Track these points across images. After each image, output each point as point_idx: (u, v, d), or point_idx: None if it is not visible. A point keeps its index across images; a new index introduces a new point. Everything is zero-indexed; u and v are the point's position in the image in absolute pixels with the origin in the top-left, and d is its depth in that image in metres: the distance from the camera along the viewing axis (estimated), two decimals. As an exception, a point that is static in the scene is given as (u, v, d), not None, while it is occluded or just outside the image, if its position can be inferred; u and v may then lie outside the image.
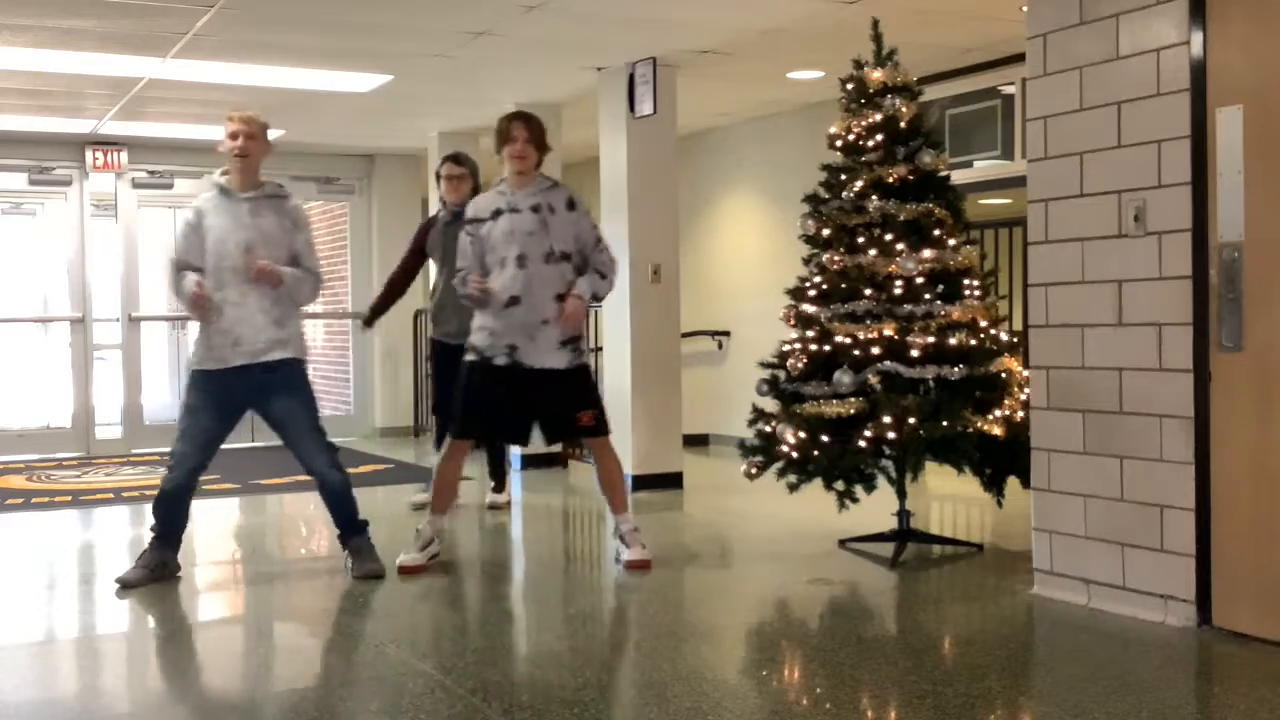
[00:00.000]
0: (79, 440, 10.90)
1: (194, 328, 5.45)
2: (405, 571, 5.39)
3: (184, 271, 5.22)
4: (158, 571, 5.28)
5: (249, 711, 3.80)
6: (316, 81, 8.23)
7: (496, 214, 5.39)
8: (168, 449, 5.34)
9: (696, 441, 9.88)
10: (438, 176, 7.14)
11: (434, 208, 9.38)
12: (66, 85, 8.29)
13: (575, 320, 5.38)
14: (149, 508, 5.37)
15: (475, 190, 7.07)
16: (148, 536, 5.35)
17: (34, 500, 7.95)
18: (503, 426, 5.60)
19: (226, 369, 5.18)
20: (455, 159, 7.15)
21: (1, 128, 9.89)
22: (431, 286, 7.23)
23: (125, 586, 5.19)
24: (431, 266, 7.27)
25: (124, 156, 10.87)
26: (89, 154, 10.76)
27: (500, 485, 7.34)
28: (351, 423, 12.02)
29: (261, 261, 5.13)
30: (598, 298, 5.55)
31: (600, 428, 5.55)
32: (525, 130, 5.41)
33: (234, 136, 5.31)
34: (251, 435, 11.09)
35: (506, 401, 5.42)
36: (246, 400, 5.28)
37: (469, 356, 5.45)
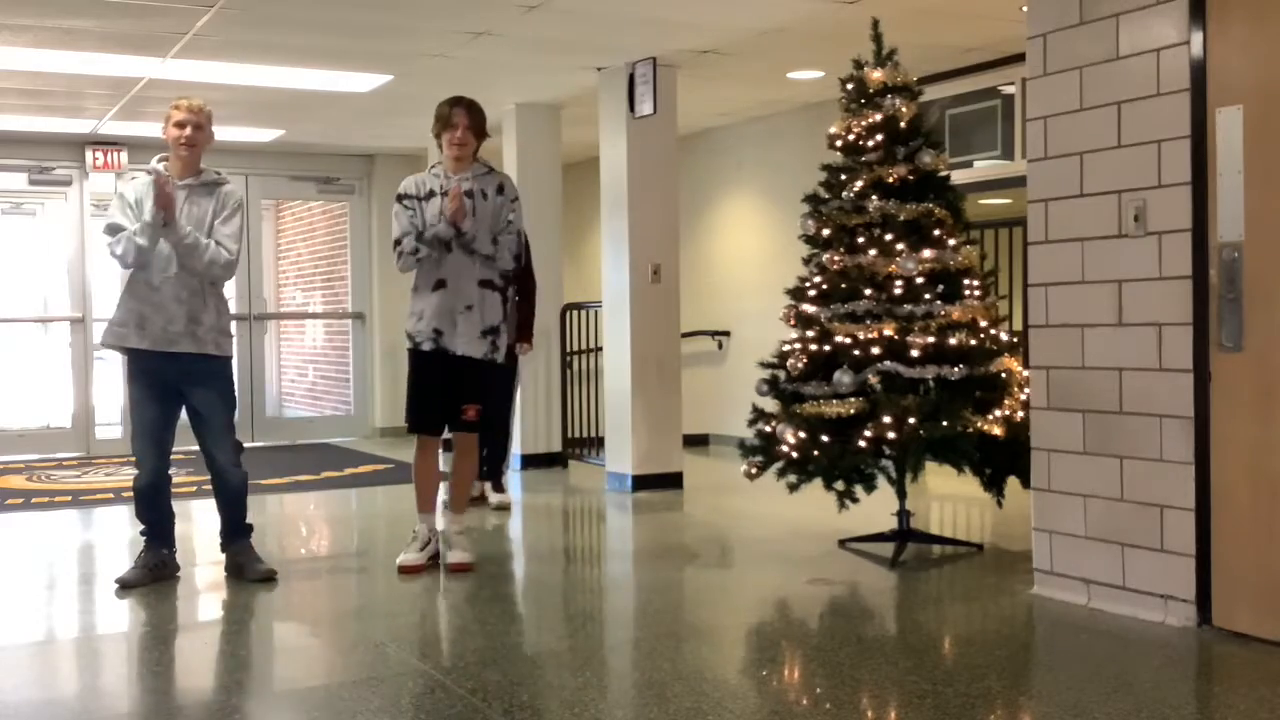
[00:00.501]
0: (79, 440, 10.90)
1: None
2: (405, 571, 5.40)
3: (122, 229, 5.11)
4: (157, 571, 5.29)
5: (249, 712, 3.79)
6: (316, 81, 8.23)
7: (429, 195, 5.41)
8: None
9: (696, 441, 9.88)
10: None
11: None
12: (66, 85, 8.29)
13: (457, 202, 5.23)
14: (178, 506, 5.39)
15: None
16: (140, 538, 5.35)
17: (34, 500, 7.96)
18: (441, 415, 5.51)
19: (144, 351, 5.12)
20: None
21: (1, 128, 9.89)
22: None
23: (124, 587, 5.19)
24: None
25: (124, 156, 10.87)
26: (89, 154, 10.76)
27: (497, 484, 7.32)
28: (351, 423, 12.02)
29: (168, 188, 5.04)
30: (485, 255, 5.34)
31: (478, 425, 5.53)
32: (466, 118, 5.45)
33: (181, 126, 5.26)
34: (251, 435, 11.16)
35: (438, 388, 5.42)
36: (176, 385, 5.19)
37: (406, 344, 5.46)
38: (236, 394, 5.45)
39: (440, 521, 5.67)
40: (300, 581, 5.45)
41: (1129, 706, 3.48)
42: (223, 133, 10.19)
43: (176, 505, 5.48)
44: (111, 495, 8.06)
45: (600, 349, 8.63)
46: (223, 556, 5.52)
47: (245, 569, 5.34)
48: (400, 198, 5.47)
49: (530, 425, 9.31)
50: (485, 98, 8.82)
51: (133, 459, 5.33)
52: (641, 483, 7.91)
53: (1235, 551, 4.15)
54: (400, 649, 4.28)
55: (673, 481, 7.98)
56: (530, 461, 9.23)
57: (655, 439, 8.00)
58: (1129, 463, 4.43)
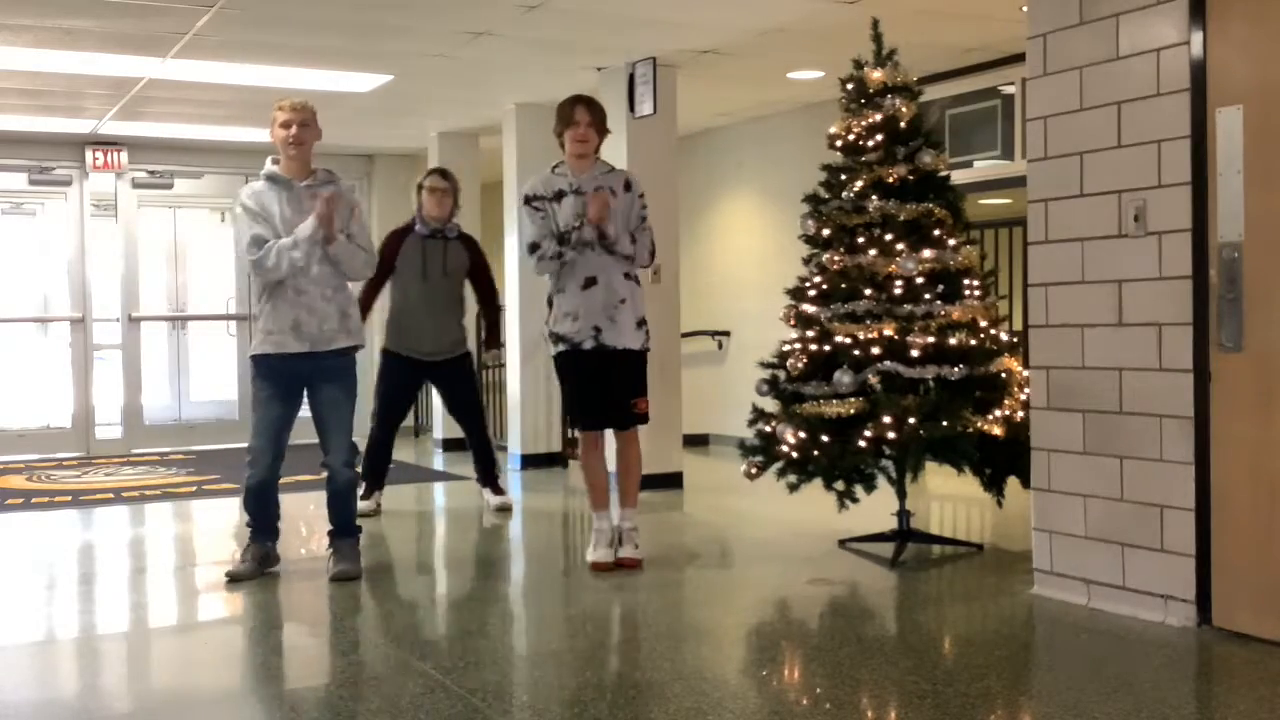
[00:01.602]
0: (79, 440, 10.89)
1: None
2: (599, 569, 5.42)
3: (269, 243, 5.15)
4: (264, 563, 5.41)
5: (249, 712, 3.80)
6: (316, 81, 8.22)
7: (559, 195, 5.39)
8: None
9: (696, 441, 9.88)
10: (419, 188, 7.05)
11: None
12: (66, 85, 8.29)
13: (604, 206, 5.26)
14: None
15: (455, 207, 7.07)
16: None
17: (34, 500, 7.95)
18: (605, 411, 5.52)
19: (287, 354, 5.20)
20: (442, 173, 7.09)
21: (1, 128, 9.90)
22: (394, 301, 7.06)
23: (234, 580, 5.29)
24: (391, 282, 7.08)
25: (124, 156, 10.87)
26: (89, 154, 10.76)
27: (497, 488, 7.31)
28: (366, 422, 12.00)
29: (327, 201, 5.12)
30: (626, 255, 5.39)
31: (648, 416, 5.59)
32: (588, 114, 5.45)
33: (287, 126, 5.29)
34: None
35: (599, 386, 5.43)
36: (304, 383, 5.29)
37: (559, 347, 5.44)
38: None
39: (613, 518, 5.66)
40: (300, 581, 5.44)
41: (1129, 706, 3.48)
42: (223, 133, 10.28)
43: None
44: (111, 495, 8.06)
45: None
46: (236, 556, 5.61)
47: (333, 565, 5.39)
48: (529, 199, 5.44)
49: (530, 425, 9.31)
50: (485, 98, 8.89)
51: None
52: (641, 482, 7.86)
53: (1235, 551, 4.15)
54: (400, 649, 4.28)
55: (673, 481, 7.98)
56: (530, 461, 9.23)
57: (655, 439, 7.97)
58: (1129, 463, 4.43)
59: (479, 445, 7.26)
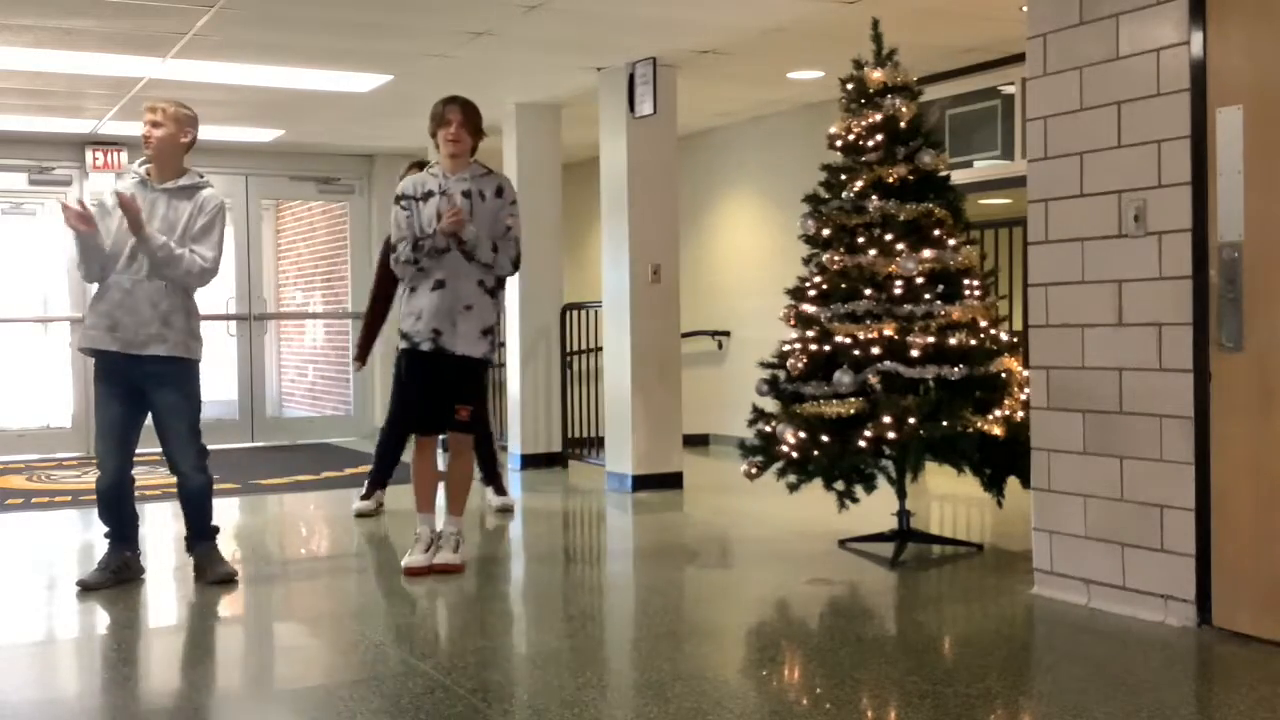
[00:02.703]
0: (79, 440, 10.89)
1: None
2: (411, 574, 5.37)
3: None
4: (120, 573, 5.26)
5: (249, 712, 3.80)
6: (316, 81, 8.23)
7: (427, 195, 5.39)
8: (153, 450, 5.35)
9: (696, 441, 9.88)
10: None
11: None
12: (66, 85, 8.29)
13: (455, 219, 5.21)
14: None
15: None
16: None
17: (34, 500, 7.96)
18: (438, 415, 5.50)
19: (103, 351, 5.11)
20: (419, 165, 7.02)
21: (1, 128, 9.90)
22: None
23: (86, 589, 5.16)
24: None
25: (124, 156, 10.86)
26: (89, 154, 10.76)
27: (499, 488, 7.31)
28: (351, 423, 12.01)
29: (130, 203, 5.04)
30: (485, 263, 5.35)
31: (472, 425, 5.54)
32: (460, 115, 5.44)
33: (148, 125, 5.23)
34: (251, 435, 11.16)
35: (435, 389, 5.40)
36: (139, 387, 5.16)
37: (401, 344, 5.44)
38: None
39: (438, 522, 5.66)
40: (300, 581, 5.44)
41: (1129, 706, 3.48)
42: (223, 133, 10.28)
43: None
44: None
45: (600, 349, 8.63)
46: (235, 555, 5.54)
47: (206, 571, 5.30)
48: (398, 199, 5.46)
49: (530, 425, 9.31)
50: (485, 98, 8.83)
51: (142, 458, 5.32)
52: (641, 483, 7.91)
53: (1235, 551, 4.15)
54: (400, 649, 4.28)
55: (673, 481, 7.98)
56: (530, 461, 9.23)
57: (655, 439, 8.01)
58: (1129, 463, 4.43)
59: (482, 445, 7.25)
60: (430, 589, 5.32)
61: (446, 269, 5.32)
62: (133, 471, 5.30)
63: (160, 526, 7.18)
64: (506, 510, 7.18)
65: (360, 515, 7.08)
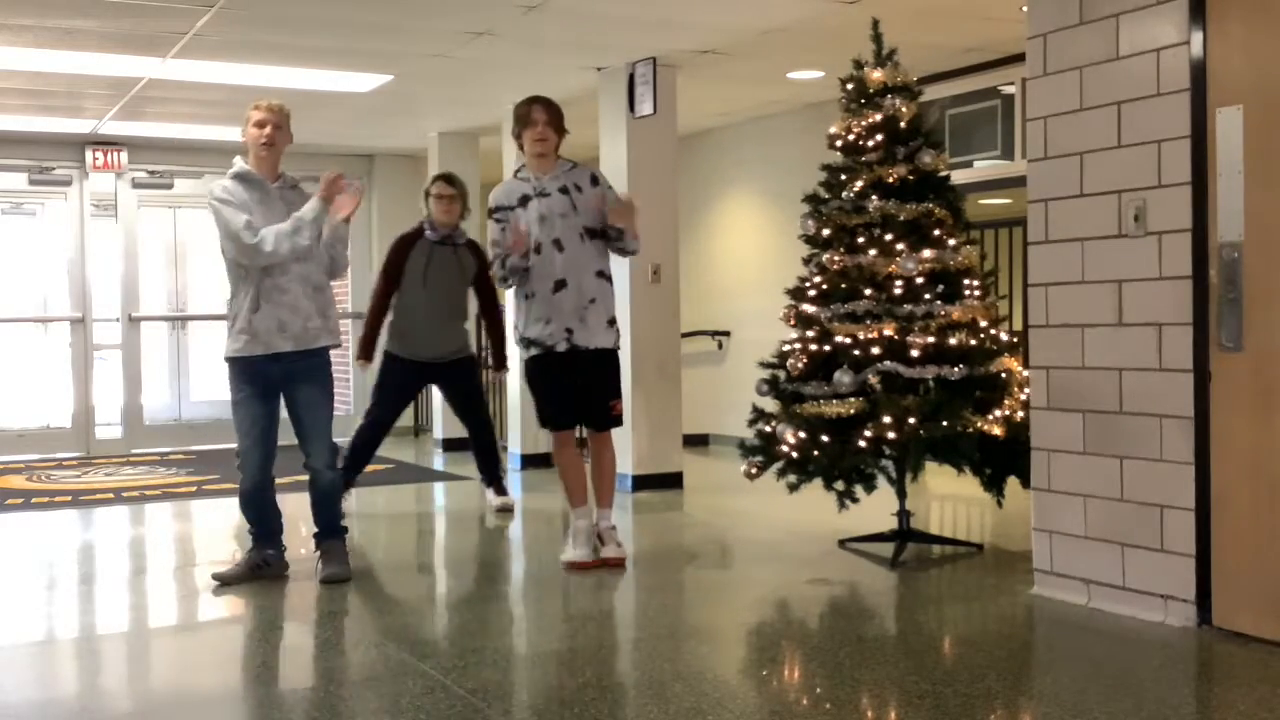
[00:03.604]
0: (79, 440, 10.90)
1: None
2: (576, 569, 5.40)
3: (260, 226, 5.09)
4: (258, 570, 5.32)
5: (249, 712, 3.80)
6: (316, 81, 8.23)
7: (524, 200, 5.41)
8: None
9: (696, 441, 9.88)
10: (426, 195, 7.00)
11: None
12: (66, 85, 8.29)
13: (630, 216, 5.41)
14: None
15: (464, 213, 7.04)
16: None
17: (34, 500, 7.95)
18: (578, 412, 5.57)
19: (268, 355, 5.15)
20: (448, 179, 7.02)
21: (1, 128, 9.90)
22: (398, 306, 6.97)
23: (223, 584, 5.24)
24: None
25: (124, 156, 10.87)
26: (89, 154, 10.76)
27: (500, 488, 7.30)
28: (351, 422, 11.93)
29: (331, 181, 5.14)
30: (632, 251, 5.62)
31: (620, 419, 5.61)
32: (545, 113, 5.49)
33: (261, 125, 5.24)
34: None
35: (572, 386, 5.45)
36: (281, 383, 5.23)
37: (532, 351, 5.45)
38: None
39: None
40: (300, 581, 5.44)
41: (1129, 706, 3.48)
42: (223, 133, 10.27)
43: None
44: (112, 495, 8.06)
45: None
46: (235, 557, 5.59)
47: (322, 568, 5.33)
48: (492, 212, 5.47)
49: (530, 425, 9.27)
50: (485, 98, 8.89)
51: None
52: (641, 483, 7.91)
53: (1235, 551, 4.15)
54: (400, 649, 4.28)
55: (673, 481, 7.99)
56: (530, 462, 9.23)
57: (655, 439, 8.00)
58: (1129, 463, 4.43)
59: (483, 445, 7.25)
60: (430, 589, 5.32)
61: (561, 269, 5.34)
62: (273, 471, 5.35)
63: (162, 526, 7.18)
64: (506, 510, 7.18)
65: (502, 510, 7.14)
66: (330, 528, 5.41)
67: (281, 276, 5.13)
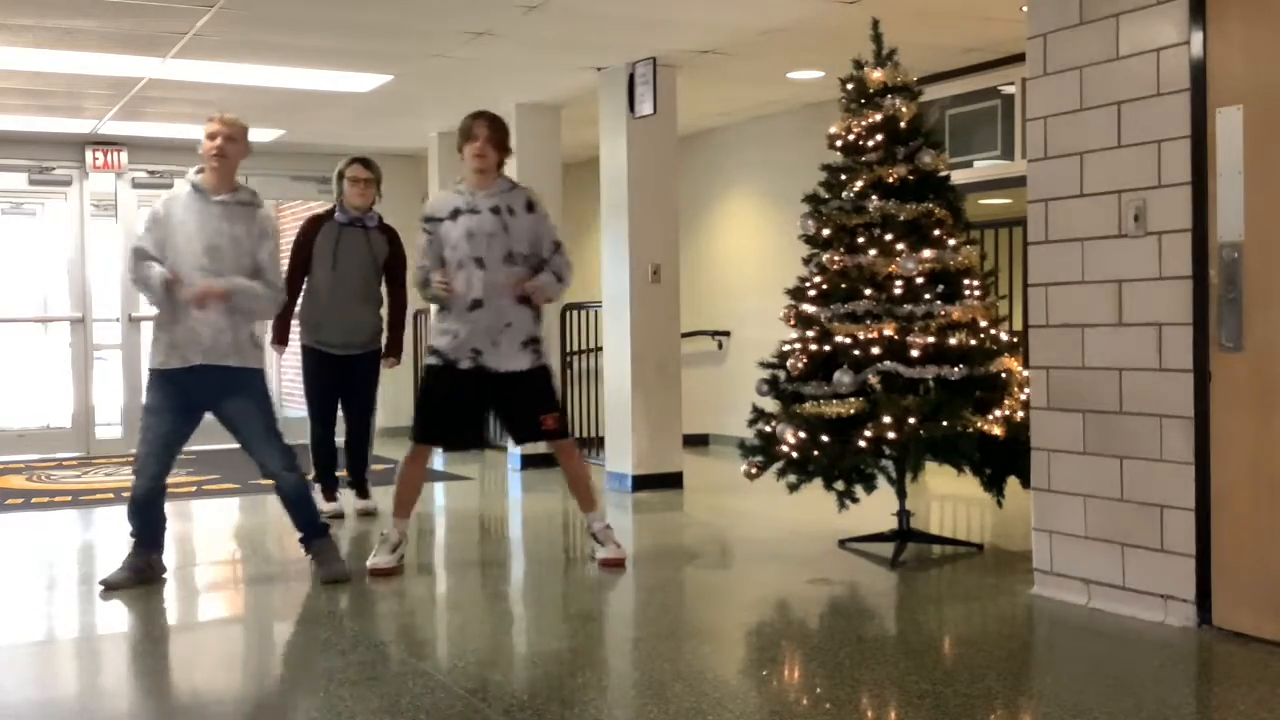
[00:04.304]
0: (79, 440, 10.90)
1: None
2: (376, 574, 5.35)
3: (148, 261, 5.12)
4: (142, 573, 5.26)
5: (249, 712, 3.80)
6: (316, 81, 8.23)
7: (455, 214, 5.37)
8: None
9: (696, 441, 9.88)
10: (340, 176, 6.85)
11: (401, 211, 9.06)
12: (66, 85, 8.29)
13: (537, 292, 5.35)
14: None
15: (377, 196, 6.93)
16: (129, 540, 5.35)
17: (34, 500, 7.95)
18: (462, 431, 5.60)
19: (186, 369, 5.11)
20: (365, 163, 6.91)
21: (1, 128, 9.90)
22: (307, 290, 6.86)
23: (109, 588, 5.18)
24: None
25: (124, 156, 10.87)
26: (89, 154, 10.76)
27: (364, 491, 7.14)
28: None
29: (202, 285, 5.05)
30: (549, 300, 5.56)
31: (563, 430, 5.57)
32: (488, 129, 5.39)
33: (212, 137, 5.19)
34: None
35: (468, 405, 5.43)
36: (203, 400, 5.18)
37: (431, 360, 5.41)
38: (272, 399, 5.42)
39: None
40: (300, 581, 5.44)
41: (1129, 706, 3.48)
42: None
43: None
44: (112, 495, 8.05)
45: (600, 349, 8.62)
46: (247, 558, 5.55)
47: (320, 569, 5.32)
48: (425, 219, 5.45)
49: (530, 425, 9.28)
50: (485, 98, 8.86)
51: (133, 462, 5.28)
52: (641, 483, 7.91)
53: (1235, 551, 4.15)
54: (400, 649, 4.28)
55: (673, 481, 7.98)
56: (530, 462, 9.21)
57: (655, 439, 8.00)
58: (1129, 463, 4.43)
59: (359, 443, 7.12)
60: (429, 589, 5.32)
61: (479, 289, 5.30)
62: (167, 481, 5.32)
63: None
64: (369, 514, 7.03)
65: (335, 516, 6.93)
66: (311, 527, 5.38)
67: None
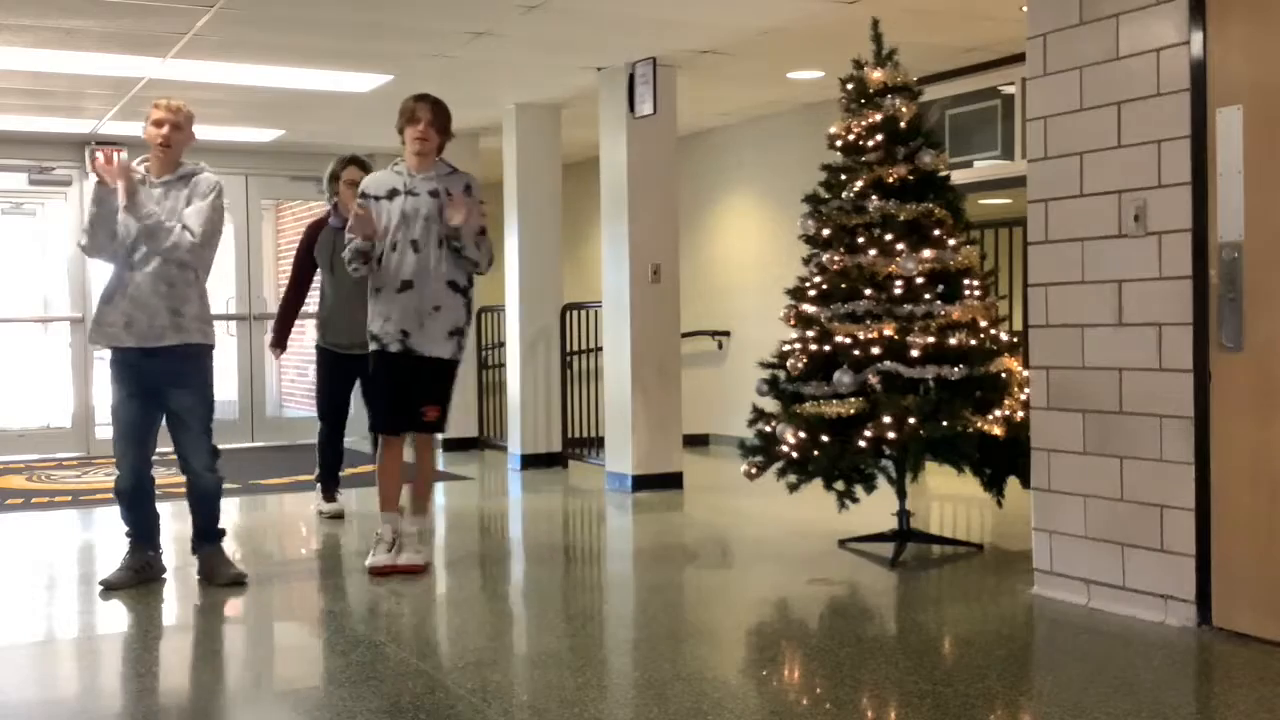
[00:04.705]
0: (79, 440, 10.89)
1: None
2: (376, 574, 5.36)
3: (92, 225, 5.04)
4: (142, 572, 5.26)
5: (249, 712, 3.80)
6: (316, 81, 8.23)
7: (392, 194, 5.37)
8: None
9: (696, 441, 9.88)
10: (334, 178, 6.86)
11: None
12: (66, 85, 8.29)
13: (461, 209, 5.23)
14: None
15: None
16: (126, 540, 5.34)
17: (34, 500, 7.95)
18: (406, 415, 5.47)
19: (128, 350, 5.08)
20: (359, 163, 6.93)
21: (1, 128, 9.89)
22: (319, 293, 6.97)
23: (109, 588, 5.18)
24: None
25: (124, 157, 10.84)
26: (89, 154, 10.75)
27: (331, 494, 7.12)
28: (351, 422, 11.95)
29: (105, 166, 4.98)
30: (473, 260, 5.38)
31: (439, 426, 5.52)
32: (430, 113, 5.41)
33: (159, 125, 5.18)
34: (251, 435, 11.15)
35: (403, 389, 5.38)
36: (155, 384, 5.13)
37: (372, 346, 5.42)
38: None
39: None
40: (300, 581, 5.44)
41: (1129, 706, 3.48)
42: (223, 133, 10.29)
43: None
44: (111, 495, 8.03)
45: (600, 349, 8.62)
46: (247, 558, 5.54)
47: (214, 573, 5.28)
48: (359, 195, 5.45)
49: (530, 425, 9.30)
50: (485, 98, 8.89)
51: (116, 460, 5.26)
52: (641, 483, 7.91)
53: (1235, 551, 4.15)
54: (400, 649, 4.28)
55: (673, 481, 7.98)
56: (530, 461, 9.23)
57: (655, 439, 8.00)
58: (1129, 463, 4.43)
59: (339, 445, 7.13)
60: (429, 589, 5.31)
61: (410, 271, 5.29)
62: (152, 471, 5.28)
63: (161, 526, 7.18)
64: (337, 517, 7.01)
65: (335, 517, 6.97)
66: (206, 532, 5.33)
67: (134, 271, 5.05)
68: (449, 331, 5.36)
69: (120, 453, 5.20)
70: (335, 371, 6.90)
